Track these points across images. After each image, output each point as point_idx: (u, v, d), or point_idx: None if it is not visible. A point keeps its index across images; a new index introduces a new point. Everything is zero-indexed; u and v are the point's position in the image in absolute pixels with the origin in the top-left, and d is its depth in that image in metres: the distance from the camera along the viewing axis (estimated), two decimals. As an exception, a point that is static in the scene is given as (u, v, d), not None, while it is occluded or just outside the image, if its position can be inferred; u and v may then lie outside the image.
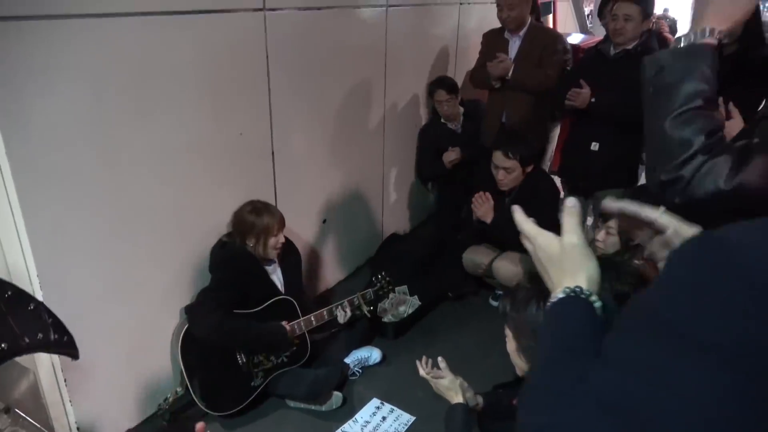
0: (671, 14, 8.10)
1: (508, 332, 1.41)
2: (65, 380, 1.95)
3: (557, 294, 0.68)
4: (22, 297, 0.55)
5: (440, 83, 3.45)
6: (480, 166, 3.13)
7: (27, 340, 0.56)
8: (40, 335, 0.56)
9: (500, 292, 3.17)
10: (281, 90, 2.48)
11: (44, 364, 1.96)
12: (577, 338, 0.63)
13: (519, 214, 0.76)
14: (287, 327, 2.31)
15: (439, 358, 1.72)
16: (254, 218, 2.27)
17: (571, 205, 0.73)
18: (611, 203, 0.78)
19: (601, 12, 4.01)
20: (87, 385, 2.04)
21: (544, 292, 1.29)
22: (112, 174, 1.91)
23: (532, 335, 1.33)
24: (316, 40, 2.62)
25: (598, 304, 0.66)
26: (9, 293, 0.56)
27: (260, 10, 2.27)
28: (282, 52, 2.42)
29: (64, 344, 0.59)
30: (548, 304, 0.69)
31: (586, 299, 0.67)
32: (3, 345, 0.53)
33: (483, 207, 2.79)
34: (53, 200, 1.76)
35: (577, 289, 0.67)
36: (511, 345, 1.42)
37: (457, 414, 1.60)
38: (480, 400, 1.71)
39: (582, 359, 0.58)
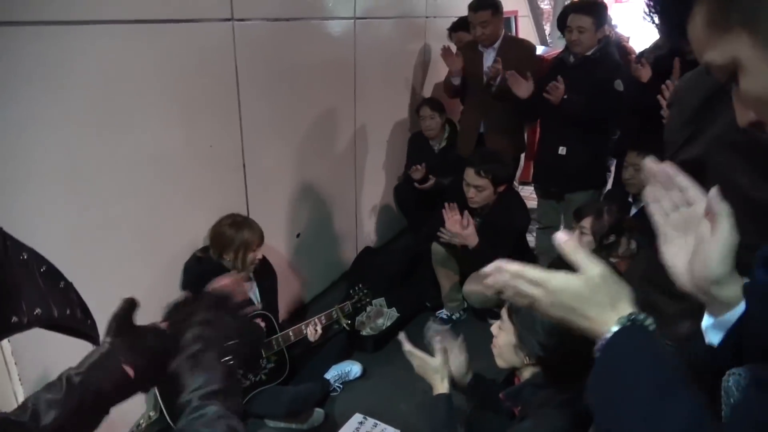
0: (619, 30, 8.18)
1: (508, 326, 1.38)
2: (20, 379, 1.83)
3: (611, 328, 0.62)
4: (54, 274, 0.57)
5: (427, 101, 3.66)
6: (454, 179, 3.13)
7: (56, 314, 0.57)
8: (68, 311, 0.58)
9: (444, 316, 3.12)
10: (251, 102, 2.44)
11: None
12: (660, 371, 0.58)
13: (515, 267, 0.69)
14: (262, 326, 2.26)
15: (437, 338, 1.65)
16: (234, 232, 2.21)
17: (566, 239, 0.67)
18: (652, 163, 0.70)
19: (560, 24, 4.13)
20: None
21: None
22: (75, 187, 1.83)
23: (537, 335, 1.30)
24: (285, 52, 2.60)
25: (653, 327, 0.62)
26: (44, 268, 0.59)
27: (228, 20, 2.24)
28: (251, 63, 2.39)
29: (88, 327, 0.60)
30: (601, 343, 0.63)
31: (641, 324, 0.62)
32: (37, 311, 0.54)
33: (465, 230, 2.65)
34: (12, 213, 1.66)
35: (632, 317, 0.62)
36: (506, 339, 1.39)
37: (442, 406, 1.55)
38: (470, 376, 1.68)
39: (681, 389, 0.55)
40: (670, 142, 1.30)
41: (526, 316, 1.33)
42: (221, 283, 0.87)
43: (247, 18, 2.31)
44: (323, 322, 2.52)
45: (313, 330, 2.44)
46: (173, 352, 0.76)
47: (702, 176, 0.72)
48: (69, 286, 0.59)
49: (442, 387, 1.58)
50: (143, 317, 2.33)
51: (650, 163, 0.70)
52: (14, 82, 1.58)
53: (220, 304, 0.84)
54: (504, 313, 1.41)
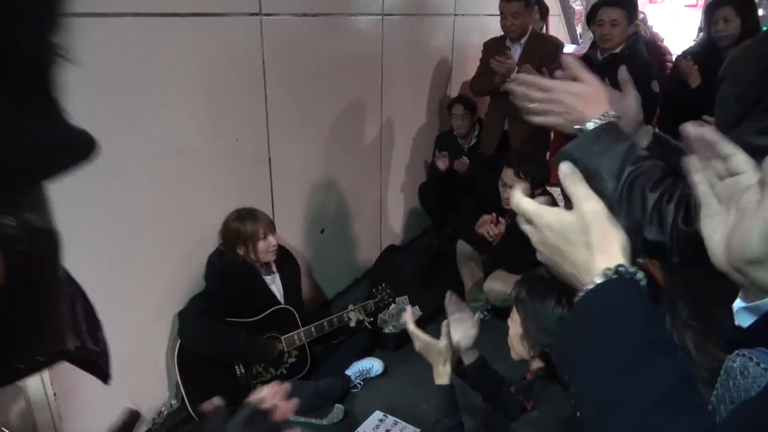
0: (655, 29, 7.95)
1: (516, 317, 1.36)
2: (55, 395, 1.87)
3: (594, 279, 0.55)
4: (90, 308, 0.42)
5: (459, 99, 3.66)
6: (481, 178, 3.09)
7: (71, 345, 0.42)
8: (78, 343, 0.42)
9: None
10: (278, 96, 2.44)
11: (33, 379, 1.87)
12: (643, 329, 0.52)
13: (517, 192, 0.62)
14: (281, 346, 2.26)
15: (444, 322, 1.63)
16: (238, 225, 2.22)
17: (569, 171, 0.58)
18: (691, 128, 0.59)
19: (590, 20, 4.05)
20: (78, 400, 1.95)
21: (564, 286, 1.26)
22: (102, 179, 1.84)
23: (541, 329, 1.28)
24: (312, 47, 2.60)
25: (644, 282, 0.55)
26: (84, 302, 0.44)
27: (256, 14, 2.25)
28: (278, 57, 2.39)
29: (98, 355, 0.44)
30: (581, 294, 0.55)
31: (631, 278, 0.54)
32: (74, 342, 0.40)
33: (495, 230, 2.71)
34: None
35: (620, 269, 0.54)
36: (515, 329, 1.38)
37: (444, 396, 1.55)
38: (475, 355, 1.67)
39: (665, 355, 0.50)
40: (721, 117, 1.20)
41: (529, 306, 1.31)
42: (260, 396, 0.74)
43: (275, 13, 2.32)
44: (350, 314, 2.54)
45: (354, 315, 2.54)
46: None
47: None
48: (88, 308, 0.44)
49: (443, 371, 1.56)
50: (166, 308, 2.36)
51: (689, 128, 0.59)
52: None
53: (255, 423, 0.71)
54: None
